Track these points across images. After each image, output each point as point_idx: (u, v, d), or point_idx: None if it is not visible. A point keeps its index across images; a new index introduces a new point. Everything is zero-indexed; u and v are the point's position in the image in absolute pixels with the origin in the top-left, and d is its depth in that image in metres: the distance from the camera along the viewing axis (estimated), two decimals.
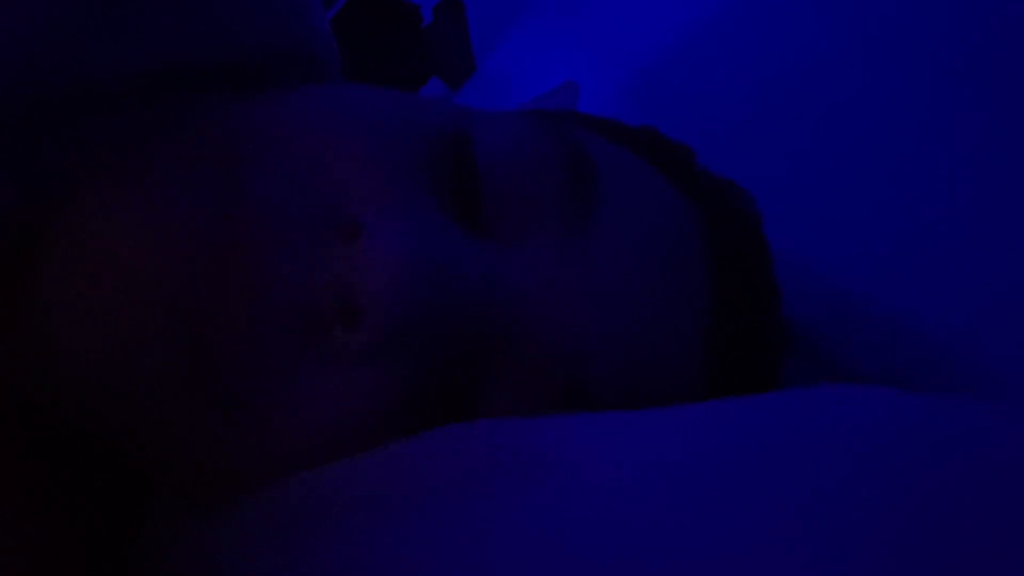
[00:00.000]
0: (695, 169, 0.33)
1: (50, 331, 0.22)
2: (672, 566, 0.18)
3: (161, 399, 0.21)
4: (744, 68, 0.47)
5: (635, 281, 0.26)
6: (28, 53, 0.22)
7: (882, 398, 0.22)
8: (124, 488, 0.24)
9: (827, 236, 0.39)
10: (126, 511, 0.24)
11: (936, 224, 0.37)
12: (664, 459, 0.21)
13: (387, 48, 0.63)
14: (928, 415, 0.22)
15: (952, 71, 0.39)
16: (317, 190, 0.23)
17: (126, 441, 0.22)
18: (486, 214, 0.25)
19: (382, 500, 0.21)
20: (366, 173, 0.24)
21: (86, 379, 0.21)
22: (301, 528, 0.21)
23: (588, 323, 0.25)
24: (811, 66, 0.44)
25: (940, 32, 0.40)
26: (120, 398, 0.21)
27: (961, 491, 0.19)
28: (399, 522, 0.20)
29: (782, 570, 0.18)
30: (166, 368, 0.21)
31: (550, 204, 0.26)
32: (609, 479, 0.20)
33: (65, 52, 0.23)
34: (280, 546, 0.20)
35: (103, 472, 0.23)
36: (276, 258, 0.22)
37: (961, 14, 0.39)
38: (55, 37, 0.23)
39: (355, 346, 0.22)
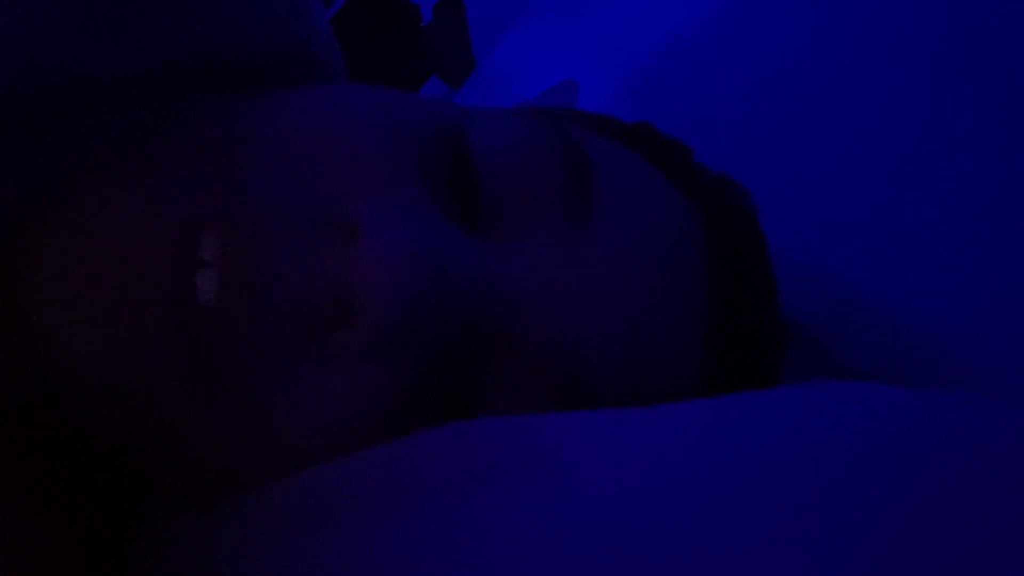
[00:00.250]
0: (692, 166, 0.33)
1: (48, 330, 0.22)
2: (672, 565, 0.18)
3: (160, 399, 0.21)
4: (744, 66, 0.47)
5: (634, 278, 0.26)
6: (28, 53, 0.22)
7: (882, 395, 0.22)
8: (124, 488, 0.24)
9: (826, 234, 0.39)
10: (126, 511, 0.24)
11: (935, 221, 0.37)
12: (664, 457, 0.21)
13: (387, 47, 0.63)
14: (929, 413, 0.22)
15: (951, 65, 0.39)
16: (315, 190, 0.23)
17: (126, 441, 0.22)
18: (484, 213, 0.25)
19: (381, 499, 0.21)
20: (364, 172, 0.24)
21: (85, 379, 0.21)
22: (300, 527, 0.21)
23: (587, 321, 0.25)
24: (810, 65, 0.44)
25: (939, 28, 0.40)
26: (119, 398, 0.21)
27: (962, 490, 0.19)
28: (398, 521, 0.20)
29: (783, 570, 0.18)
30: (165, 368, 0.21)
31: (548, 202, 0.26)
32: (609, 477, 0.20)
33: (65, 52, 0.23)
34: (279, 546, 0.20)
35: (103, 472, 0.23)
36: (275, 258, 0.22)
37: (961, 13, 0.39)
38: (55, 37, 0.23)
39: (354, 345, 0.22)
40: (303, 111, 0.25)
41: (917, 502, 0.19)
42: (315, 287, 0.22)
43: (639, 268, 0.26)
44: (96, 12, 0.24)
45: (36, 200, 0.23)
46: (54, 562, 0.22)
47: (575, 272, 0.25)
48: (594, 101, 0.52)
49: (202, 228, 0.22)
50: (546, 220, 0.25)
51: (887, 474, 0.19)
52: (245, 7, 0.28)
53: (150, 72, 0.26)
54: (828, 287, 0.39)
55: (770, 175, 0.37)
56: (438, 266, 0.22)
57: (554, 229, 0.25)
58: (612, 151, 0.29)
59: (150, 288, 0.21)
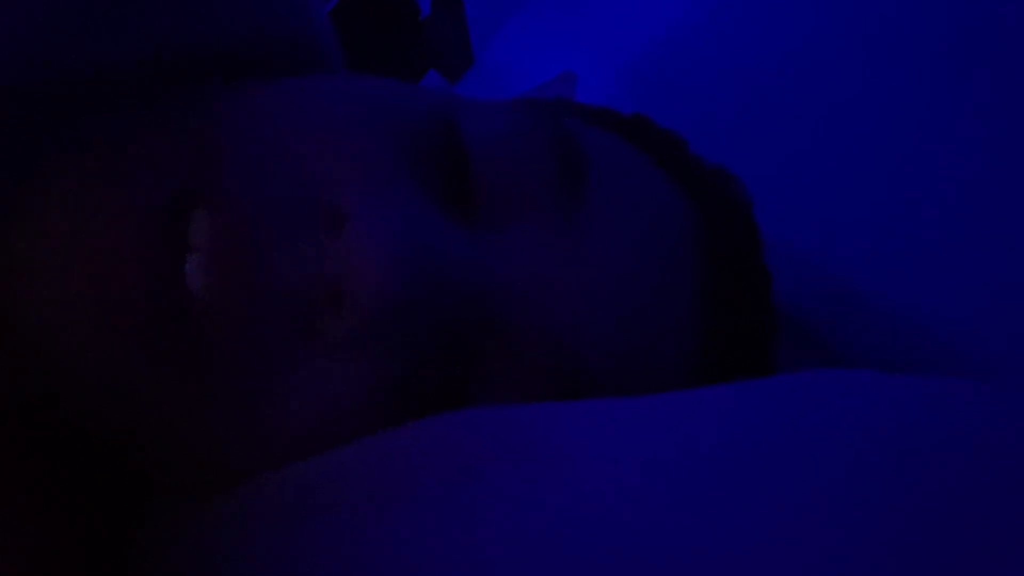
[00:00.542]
0: (687, 157, 0.33)
1: (37, 324, 0.22)
2: (670, 564, 0.18)
3: (151, 390, 0.21)
4: (742, 59, 0.47)
5: (625, 268, 0.26)
6: (23, 43, 0.22)
7: (882, 385, 0.22)
8: (124, 488, 0.24)
9: (824, 225, 0.39)
10: (126, 511, 0.24)
11: (931, 211, 0.37)
12: (658, 447, 0.21)
13: (385, 41, 0.63)
14: (930, 404, 0.21)
15: (949, 59, 0.39)
16: (304, 178, 0.23)
17: (122, 438, 0.22)
18: (475, 203, 0.25)
19: (374, 491, 0.20)
20: (353, 161, 0.24)
21: (76, 370, 0.21)
22: (294, 521, 0.21)
23: (578, 310, 0.25)
24: (808, 58, 0.44)
25: (939, 21, 0.40)
26: (111, 390, 0.22)
27: (964, 487, 0.19)
28: (391, 512, 0.20)
29: (783, 569, 0.18)
30: (155, 358, 0.21)
31: (540, 192, 0.26)
32: (603, 470, 0.20)
33: (62, 42, 0.23)
34: (273, 539, 0.20)
35: (103, 472, 0.23)
36: (265, 246, 0.22)
37: (961, 11, 0.39)
38: (51, 27, 0.23)
39: (343, 334, 0.22)
40: (294, 100, 0.25)
41: (919, 500, 0.19)
42: (305, 276, 0.22)
43: (631, 257, 0.26)
44: (95, 3, 0.23)
45: (23, 191, 0.23)
46: (54, 562, 0.22)
47: (566, 261, 0.25)
48: (592, 94, 0.52)
49: (192, 213, 0.22)
50: (537, 210, 0.25)
51: (888, 471, 0.19)
52: (243, 1, 0.28)
53: (145, 62, 0.26)
54: (825, 279, 0.39)
55: (768, 168, 0.37)
56: (426, 255, 0.22)
57: (545, 219, 0.25)
58: (605, 141, 0.29)
59: (139, 275, 0.21)
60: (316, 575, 0.19)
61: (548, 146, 0.26)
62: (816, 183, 0.41)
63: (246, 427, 0.22)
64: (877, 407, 0.21)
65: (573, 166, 0.26)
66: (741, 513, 0.19)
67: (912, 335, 0.36)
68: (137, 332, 0.21)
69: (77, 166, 0.23)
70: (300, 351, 0.22)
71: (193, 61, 0.27)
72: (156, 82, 0.26)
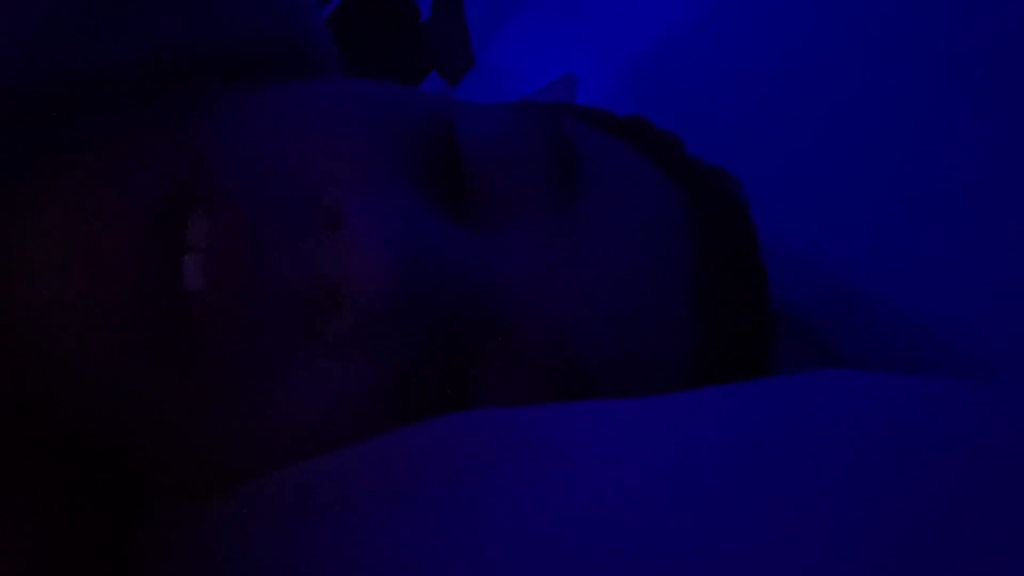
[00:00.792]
0: (683, 157, 0.33)
1: (36, 323, 0.22)
2: (670, 564, 0.18)
3: (150, 390, 0.21)
4: (743, 60, 0.47)
5: (622, 265, 0.26)
6: (23, 44, 0.22)
7: (882, 385, 0.22)
8: (124, 488, 0.24)
9: (824, 226, 0.39)
10: (126, 511, 0.24)
11: (933, 213, 0.37)
12: (658, 447, 0.21)
13: (386, 43, 0.63)
14: (930, 405, 0.21)
15: (949, 59, 0.39)
16: (301, 178, 0.23)
17: (122, 438, 0.22)
18: (472, 202, 0.25)
19: (375, 491, 0.21)
20: (350, 161, 0.24)
21: (75, 369, 0.22)
22: (295, 521, 0.21)
23: (578, 309, 0.25)
24: (809, 59, 0.44)
25: (939, 21, 0.40)
26: (111, 395, 0.22)
27: (964, 487, 0.19)
28: (392, 513, 0.20)
29: (784, 569, 0.18)
30: (154, 357, 0.21)
31: (536, 191, 0.26)
32: (602, 467, 0.20)
33: (60, 43, 0.23)
34: (274, 539, 0.20)
35: (103, 472, 0.23)
36: (262, 245, 0.22)
37: (961, 11, 0.39)
38: (50, 28, 0.23)
39: (342, 334, 0.22)
40: (292, 101, 0.25)
41: (919, 500, 0.19)
42: (304, 275, 0.22)
43: (629, 256, 0.26)
44: (94, 5, 0.24)
45: (22, 191, 0.23)
46: (54, 562, 0.22)
47: (562, 257, 0.25)
48: (592, 94, 0.52)
49: (189, 215, 0.22)
50: (536, 209, 0.26)
51: (889, 471, 0.19)
52: (241, 3, 0.28)
53: (145, 62, 0.26)
54: (825, 279, 0.39)
55: (768, 168, 0.38)
56: (425, 254, 0.22)
57: (544, 218, 0.25)
58: (601, 141, 0.29)
59: (138, 276, 0.21)
60: (316, 575, 0.19)
61: (546, 146, 0.26)
62: (816, 183, 0.41)
63: (245, 427, 0.22)
64: (877, 407, 0.21)
65: (571, 166, 0.26)
66: (741, 513, 0.19)
67: (912, 335, 0.36)
68: (136, 332, 0.21)
69: (76, 166, 0.23)
70: (299, 351, 0.22)
71: (192, 61, 0.27)
72: (156, 82, 0.26)
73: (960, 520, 0.18)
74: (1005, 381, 0.33)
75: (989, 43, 0.38)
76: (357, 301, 0.22)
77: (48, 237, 0.22)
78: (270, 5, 0.30)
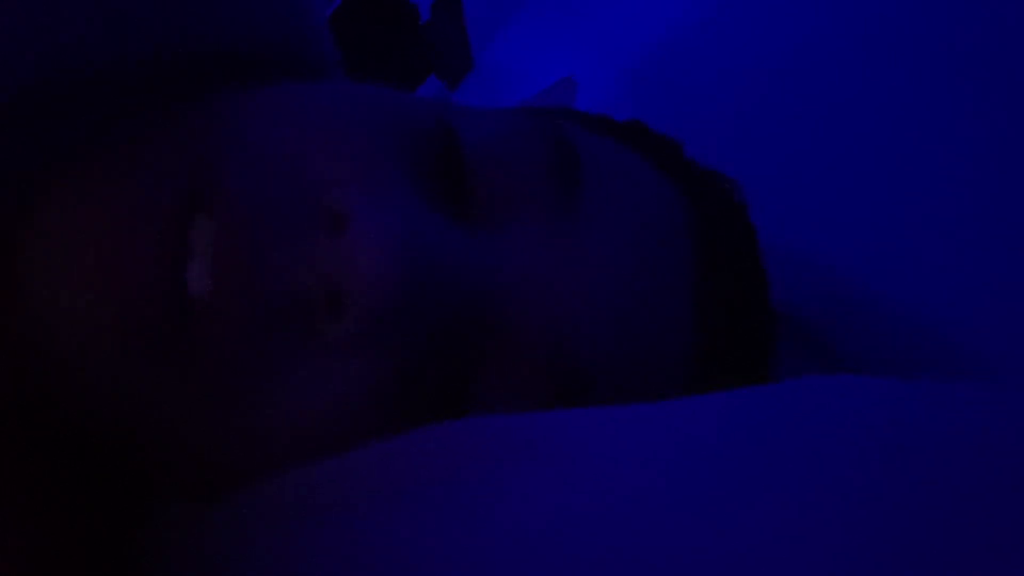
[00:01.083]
0: (682, 160, 0.33)
1: (40, 325, 0.22)
2: (671, 564, 0.18)
3: (153, 392, 0.22)
4: (743, 62, 0.47)
5: (622, 267, 0.26)
6: (23, 45, 0.22)
7: (884, 389, 0.22)
8: (124, 488, 0.24)
9: (825, 228, 0.39)
10: (126, 511, 0.24)
11: (934, 213, 0.37)
12: (659, 447, 0.21)
13: (385, 46, 0.63)
14: (932, 407, 0.21)
15: (949, 59, 0.39)
16: (304, 181, 0.23)
17: (123, 439, 0.22)
18: (473, 205, 0.25)
19: (376, 494, 0.20)
20: (353, 163, 0.24)
21: (78, 372, 0.22)
22: (296, 524, 0.21)
23: (578, 309, 0.25)
24: (809, 60, 0.44)
25: (939, 21, 0.40)
26: (112, 391, 0.22)
27: (966, 487, 0.19)
28: (391, 512, 0.20)
29: (785, 569, 0.18)
30: (157, 360, 0.21)
31: (536, 193, 0.26)
32: (602, 467, 0.20)
33: (63, 45, 0.23)
34: (274, 539, 0.20)
35: (103, 472, 0.23)
36: (265, 248, 0.22)
37: (961, 12, 0.39)
38: (52, 32, 0.23)
39: (343, 335, 0.22)
40: (293, 102, 0.25)
41: (921, 499, 0.19)
42: (305, 277, 0.22)
43: (628, 255, 0.27)
44: (96, 4, 0.24)
45: (24, 193, 0.23)
46: (54, 562, 0.22)
47: (562, 259, 0.25)
48: (592, 96, 0.52)
49: (192, 217, 0.22)
50: (536, 210, 0.26)
51: (891, 470, 0.19)
52: (242, 3, 0.28)
53: (146, 63, 0.26)
54: (825, 280, 0.39)
55: (769, 169, 0.38)
56: (426, 255, 0.22)
57: (542, 217, 0.26)
58: (600, 144, 0.29)
59: (141, 278, 0.21)
60: (316, 575, 0.19)
61: (546, 146, 0.26)
62: (816, 184, 0.41)
63: (246, 428, 0.22)
64: (879, 408, 0.21)
65: (570, 166, 0.27)
66: (742, 512, 0.19)
67: (912, 335, 0.36)
68: (138, 333, 0.21)
69: (78, 168, 0.23)
70: (300, 352, 0.22)
71: (193, 62, 0.27)
72: (157, 83, 0.26)
73: (962, 519, 0.18)
74: (1005, 381, 0.33)
75: (989, 43, 0.38)
76: (359, 303, 0.22)
77: (50, 238, 0.22)
78: (271, 6, 0.30)
